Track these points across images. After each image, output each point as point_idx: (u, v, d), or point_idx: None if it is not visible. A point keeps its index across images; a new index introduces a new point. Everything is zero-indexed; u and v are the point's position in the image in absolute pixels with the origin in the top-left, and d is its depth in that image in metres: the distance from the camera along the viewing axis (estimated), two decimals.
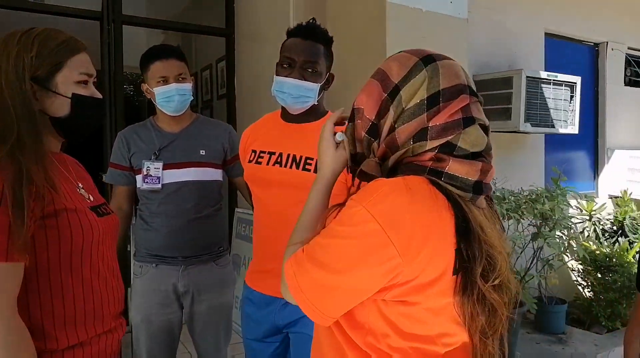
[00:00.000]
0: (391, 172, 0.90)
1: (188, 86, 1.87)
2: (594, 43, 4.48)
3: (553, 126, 3.52)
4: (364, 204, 0.79)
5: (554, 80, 3.46)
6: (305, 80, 1.47)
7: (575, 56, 4.41)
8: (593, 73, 4.49)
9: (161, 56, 1.84)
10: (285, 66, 1.49)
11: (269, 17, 3.24)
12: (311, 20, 1.53)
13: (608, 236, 4.03)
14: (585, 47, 4.47)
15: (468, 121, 0.86)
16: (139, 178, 1.89)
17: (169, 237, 1.83)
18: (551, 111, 3.49)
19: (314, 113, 1.54)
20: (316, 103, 1.52)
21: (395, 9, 2.27)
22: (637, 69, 4.68)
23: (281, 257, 1.49)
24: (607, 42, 4.44)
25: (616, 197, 4.43)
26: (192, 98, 1.92)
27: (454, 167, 0.84)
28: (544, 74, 3.41)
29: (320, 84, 1.50)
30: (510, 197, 3.07)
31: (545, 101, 3.45)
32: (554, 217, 2.82)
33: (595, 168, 4.57)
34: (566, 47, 4.31)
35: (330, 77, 1.57)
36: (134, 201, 1.99)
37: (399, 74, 0.90)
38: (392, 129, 0.88)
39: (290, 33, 1.53)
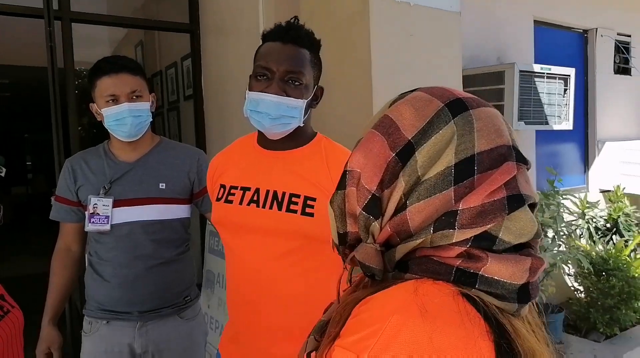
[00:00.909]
0: (398, 266, 0.61)
1: (144, 106, 1.56)
2: (583, 30, 4.26)
3: (547, 123, 3.30)
4: (366, 354, 0.51)
5: (547, 73, 3.23)
6: (287, 95, 1.14)
7: (564, 44, 4.18)
8: (583, 62, 4.28)
9: (109, 70, 1.52)
10: (260, 78, 1.15)
11: (236, 12, 2.92)
12: (292, 20, 1.19)
13: (601, 235, 3.86)
14: (573, 35, 4.25)
15: (515, 201, 0.57)
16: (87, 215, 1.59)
17: (121, 289, 1.53)
18: (545, 106, 3.26)
19: (299, 137, 1.22)
20: (302, 124, 1.19)
21: (379, 3, 1.97)
22: (627, 56, 4.48)
23: (261, 326, 1.20)
24: (597, 29, 4.22)
25: (608, 191, 4.26)
26: (151, 119, 1.60)
27: (494, 268, 0.56)
28: (537, 68, 3.17)
29: (306, 101, 1.17)
30: None
31: (539, 96, 3.22)
32: (555, 227, 2.59)
33: (586, 161, 4.39)
34: (555, 35, 4.08)
35: (318, 91, 1.24)
36: (86, 240, 1.68)
37: (413, 126, 0.60)
38: (401, 206, 0.60)
39: (266, 36, 1.19)
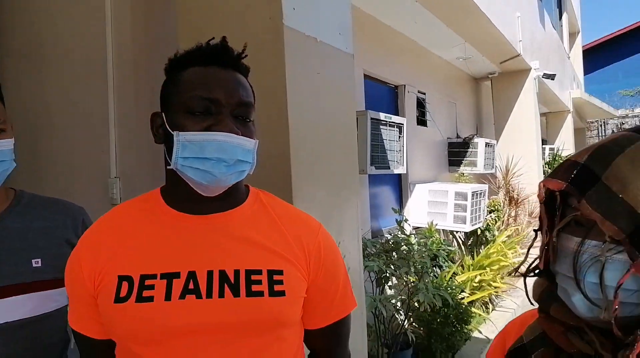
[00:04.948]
0: None
1: (8, 144, 1.02)
2: (395, 85, 4.77)
3: (389, 167, 3.50)
4: None
5: (389, 121, 3.44)
6: (241, 134, 0.84)
7: (382, 96, 4.60)
8: (395, 112, 4.77)
9: None
10: (198, 112, 0.82)
11: (62, 32, 2.31)
12: (220, 40, 0.89)
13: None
14: (386, 88, 4.72)
15: None
16: None
17: None
18: (387, 152, 3.46)
19: (236, 191, 0.90)
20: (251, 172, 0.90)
21: (292, 35, 1.77)
22: (424, 110, 5.19)
23: None
24: (405, 85, 4.78)
25: (418, 228, 4.75)
26: (15, 165, 1.05)
27: None
28: (382, 116, 3.35)
29: (257, 141, 0.89)
30: (373, 246, 2.85)
31: (383, 142, 3.40)
32: (427, 268, 2.70)
33: (400, 201, 4.84)
34: (375, 88, 4.46)
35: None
36: None
37: None
38: None
39: (190, 58, 0.87)
